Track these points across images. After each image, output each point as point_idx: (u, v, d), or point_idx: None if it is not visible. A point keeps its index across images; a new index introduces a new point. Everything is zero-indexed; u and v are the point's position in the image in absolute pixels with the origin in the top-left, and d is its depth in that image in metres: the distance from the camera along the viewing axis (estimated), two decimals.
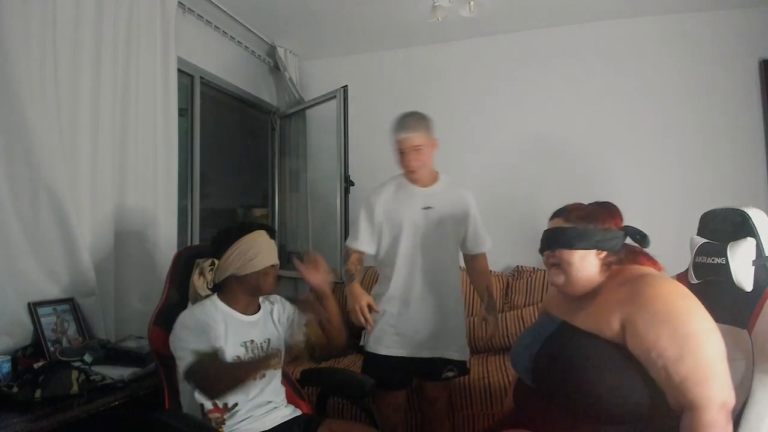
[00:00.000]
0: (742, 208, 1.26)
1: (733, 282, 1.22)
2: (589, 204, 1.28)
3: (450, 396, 2.08)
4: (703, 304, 1.08)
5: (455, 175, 2.02)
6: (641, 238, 1.22)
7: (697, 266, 1.33)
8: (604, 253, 1.21)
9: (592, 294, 1.21)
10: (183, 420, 1.29)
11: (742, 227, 1.24)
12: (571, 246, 1.20)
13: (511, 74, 3.10)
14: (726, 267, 1.22)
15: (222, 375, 1.30)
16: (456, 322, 1.89)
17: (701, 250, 1.32)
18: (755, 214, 1.24)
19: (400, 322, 1.85)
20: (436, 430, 1.98)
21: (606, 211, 1.25)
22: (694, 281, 1.34)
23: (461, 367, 1.89)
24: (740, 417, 1.11)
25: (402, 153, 1.83)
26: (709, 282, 1.29)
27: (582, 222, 1.21)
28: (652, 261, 1.25)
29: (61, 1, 1.73)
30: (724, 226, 1.28)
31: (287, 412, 1.49)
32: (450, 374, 1.86)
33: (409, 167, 1.84)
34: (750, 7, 2.70)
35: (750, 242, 1.21)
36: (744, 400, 1.12)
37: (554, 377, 1.16)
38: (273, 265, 1.50)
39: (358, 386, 1.64)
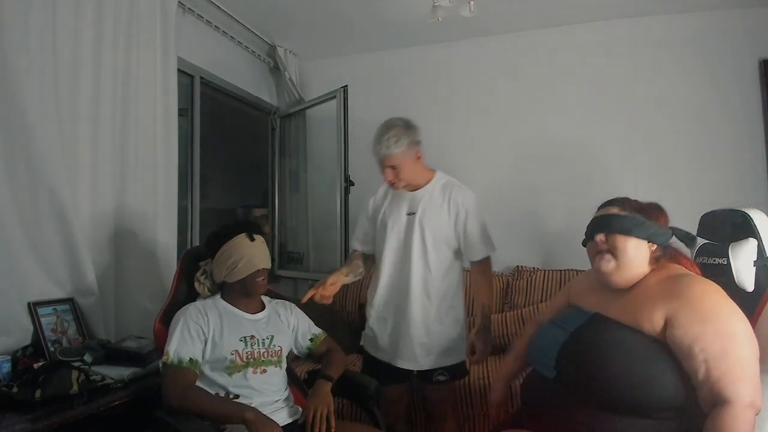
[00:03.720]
0: (742, 209, 1.27)
1: (735, 282, 1.22)
2: (640, 201, 1.28)
3: (453, 396, 2.03)
4: None
5: (454, 175, 1.93)
6: (689, 240, 1.23)
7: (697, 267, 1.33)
8: (655, 247, 1.21)
9: (628, 287, 1.21)
10: (184, 419, 1.28)
11: (743, 228, 1.24)
12: (629, 232, 1.19)
13: (510, 74, 3.10)
14: (727, 267, 1.23)
15: (186, 393, 1.33)
16: (440, 331, 1.79)
17: (702, 251, 1.32)
18: (756, 215, 1.24)
19: (381, 329, 1.85)
20: (439, 429, 1.96)
21: (657, 208, 1.26)
22: None
23: (454, 371, 1.83)
24: None
25: (383, 169, 1.78)
26: None
27: (637, 213, 1.22)
28: (691, 263, 1.25)
29: (61, 1, 1.73)
30: (725, 227, 1.29)
31: (293, 412, 1.50)
32: (441, 378, 1.80)
33: (397, 187, 1.80)
34: (750, 7, 2.70)
35: (752, 243, 1.21)
36: None
37: (584, 369, 1.15)
38: (258, 270, 1.50)
39: (363, 388, 1.64)
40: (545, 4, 2.73)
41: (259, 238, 1.54)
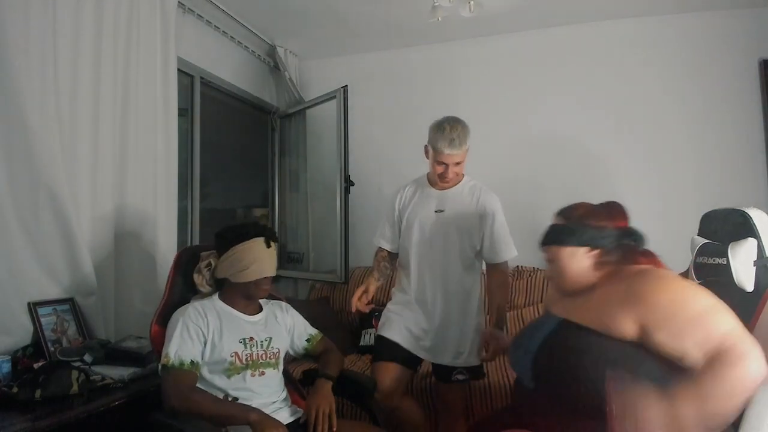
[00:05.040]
0: (742, 209, 1.26)
1: (734, 282, 1.22)
2: (596, 204, 1.28)
3: (466, 397, 2.02)
4: None
5: None
6: (639, 239, 1.20)
7: (698, 266, 1.33)
8: (597, 251, 1.20)
9: (589, 291, 1.21)
10: (184, 421, 1.28)
11: (743, 228, 1.24)
12: (560, 242, 1.23)
13: (510, 74, 3.10)
14: (727, 267, 1.23)
15: (190, 395, 1.32)
16: (464, 329, 1.83)
17: (702, 251, 1.32)
18: (756, 215, 1.24)
19: (407, 320, 1.87)
20: (450, 429, 1.95)
21: (605, 211, 1.25)
22: (695, 281, 1.34)
23: (473, 372, 1.85)
24: (741, 417, 1.11)
25: (441, 165, 1.79)
26: (710, 282, 1.29)
27: (578, 220, 1.23)
28: (652, 260, 1.23)
29: (62, 1, 1.73)
30: (725, 227, 1.29)
31: (293, 411, 1.50)
32: (460, 377, 1.82)
33: (448, 181, 1.83)
34: (750, 7, 2.71)
35: (751, 243, 1.21)
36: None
37: (556, 375, 1.16)
38: (266, 277, 1.50)
39: (361, 386, 1.64)
40: (545, 4, 2.73)
41: (273, 245, 1.54)
